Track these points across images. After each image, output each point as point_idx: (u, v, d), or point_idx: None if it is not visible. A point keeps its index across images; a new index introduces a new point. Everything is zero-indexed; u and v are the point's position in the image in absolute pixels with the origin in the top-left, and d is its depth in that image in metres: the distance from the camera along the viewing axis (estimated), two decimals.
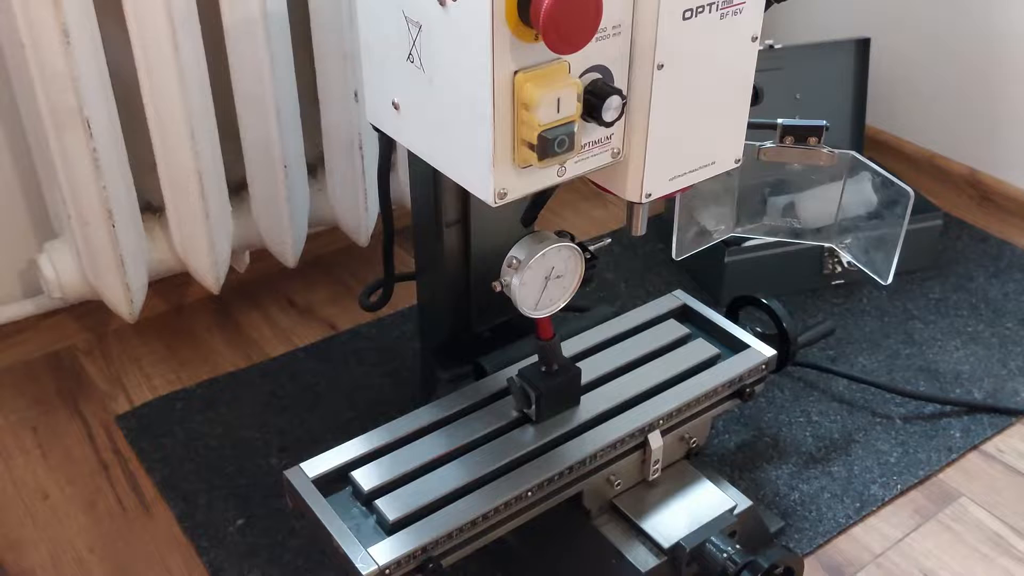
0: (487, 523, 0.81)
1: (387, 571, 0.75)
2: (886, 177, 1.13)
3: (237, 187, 1.25)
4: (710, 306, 1.04)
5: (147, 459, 1.11)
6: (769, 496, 1.05)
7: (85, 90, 1.03)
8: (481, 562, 0.96)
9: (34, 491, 1.08)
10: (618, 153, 0.71)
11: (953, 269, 1.43)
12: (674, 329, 1.01)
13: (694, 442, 0.95)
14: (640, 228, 0.76)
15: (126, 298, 1.18)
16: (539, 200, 0.81)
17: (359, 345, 1.28)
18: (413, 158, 0.85)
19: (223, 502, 1.05)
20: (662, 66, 0.67)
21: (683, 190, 0.75)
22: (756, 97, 0.77)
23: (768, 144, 0.95)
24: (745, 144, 0.77)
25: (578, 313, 1.05)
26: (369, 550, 0.75)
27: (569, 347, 0.96)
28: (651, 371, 0.95)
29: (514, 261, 0.77)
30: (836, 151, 0.96)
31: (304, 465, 0.83)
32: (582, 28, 0.61)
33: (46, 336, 1.30)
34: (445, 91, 0.68)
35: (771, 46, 1.35)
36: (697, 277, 1.39)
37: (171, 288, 1.37)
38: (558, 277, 0.79)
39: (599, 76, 0.67)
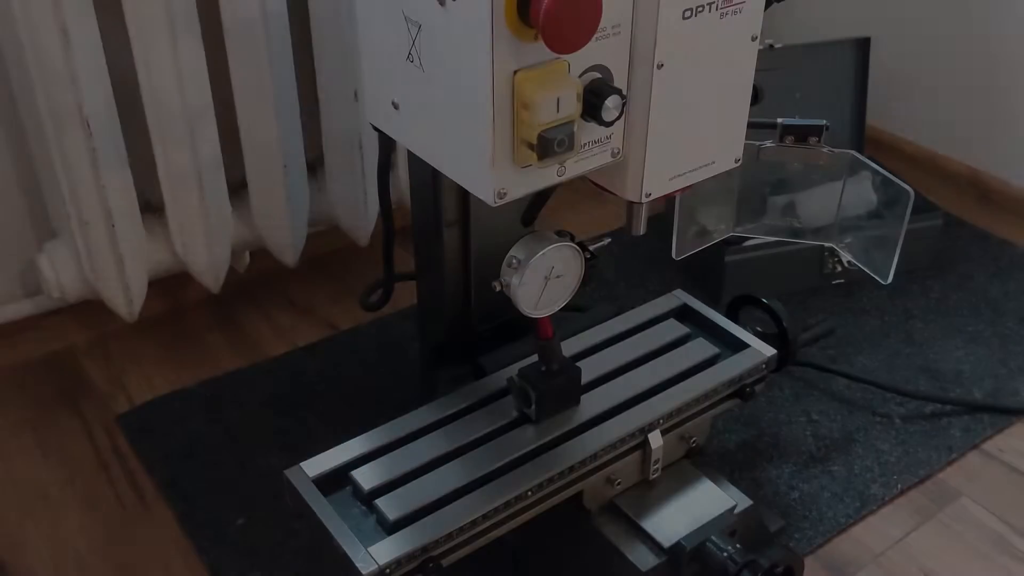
0: (487, 523, 0.81)
1: (387, 571, 0.75)
2: (886, 176, 1.13)
3: (237, 187, 1.25)
4: (710, 306, 1.04)
5: (147, 459, 1.11)
6: (769, 495, 1.05)
7: (85, 90, 1.03)
8: (481, 562, 0.96)
9: (34, 491, 1.08)
10: (618, 153, 0.71)
11: (953, 269, 1.43)
12: (674, 329, 1.01)
13: (694, 441, 0.95)
14: (640, 228, 0.76)
15: (126, 298, 1.18)
16: (539, 200, 0.81)
17: (359, 345, 1.28)
18: (413, 158, 0.85)
19: (223, 502, 1.05)
20: (662, 66, 0.67)
21: (683, 190, 0.75)
22: (756, 97, 0.77)
23: (768, 144, 0.95)
24: (745, 144, 0.77)
25: (578, 313, 1.04)
26: (369, 550, 0.75)
27: (569, 347, 0.96)
28: (651, 371, 0.94)
29: (514, 261, 0.77)
30: (836, 151, 0.96)
31: (304, 465, 0.83)
32: (582, 28, 0.61)
33: (46, 336, 1.30)
34: (445, 91, 0.68)
35: (771, 46, 1.34)
36: (697, 277, 1.39)
37: (171, 288, 1.37)
38: (558, 277, 0.79)
39: (599, 76, 0.67)
